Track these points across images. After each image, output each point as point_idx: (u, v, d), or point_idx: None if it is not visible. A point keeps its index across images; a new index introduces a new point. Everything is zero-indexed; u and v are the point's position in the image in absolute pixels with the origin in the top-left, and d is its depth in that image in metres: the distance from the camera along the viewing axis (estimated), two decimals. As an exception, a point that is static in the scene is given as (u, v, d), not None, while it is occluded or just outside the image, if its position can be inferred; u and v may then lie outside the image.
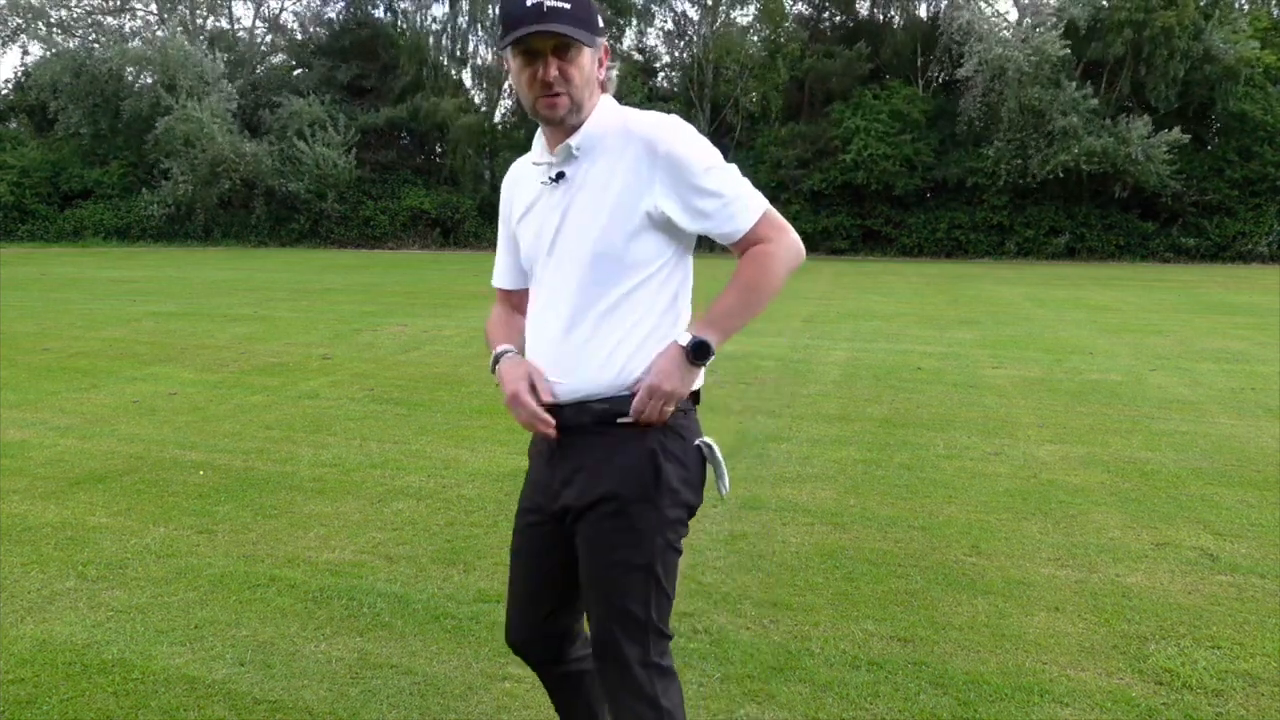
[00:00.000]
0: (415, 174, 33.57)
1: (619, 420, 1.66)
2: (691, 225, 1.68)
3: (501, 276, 1.90)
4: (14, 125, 35.15)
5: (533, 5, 1.54)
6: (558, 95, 1.60)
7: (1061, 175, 25.33)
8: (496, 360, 1.78)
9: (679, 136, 1.65)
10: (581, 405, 1.68)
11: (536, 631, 1.89)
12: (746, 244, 1.71)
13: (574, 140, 1.65)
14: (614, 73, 1.73)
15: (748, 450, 5.10)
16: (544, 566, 1.82)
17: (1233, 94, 25.05)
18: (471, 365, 7.88)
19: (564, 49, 1.58)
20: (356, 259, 24.73)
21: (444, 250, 30.39)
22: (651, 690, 1.66)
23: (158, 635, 2.95)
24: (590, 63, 1.64)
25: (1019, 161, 25.97)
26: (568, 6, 1.55)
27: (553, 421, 1.68)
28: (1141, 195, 26.08)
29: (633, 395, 1.65)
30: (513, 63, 1.62)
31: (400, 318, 11.16)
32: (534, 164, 1.74)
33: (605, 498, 1.66)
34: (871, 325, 10.69)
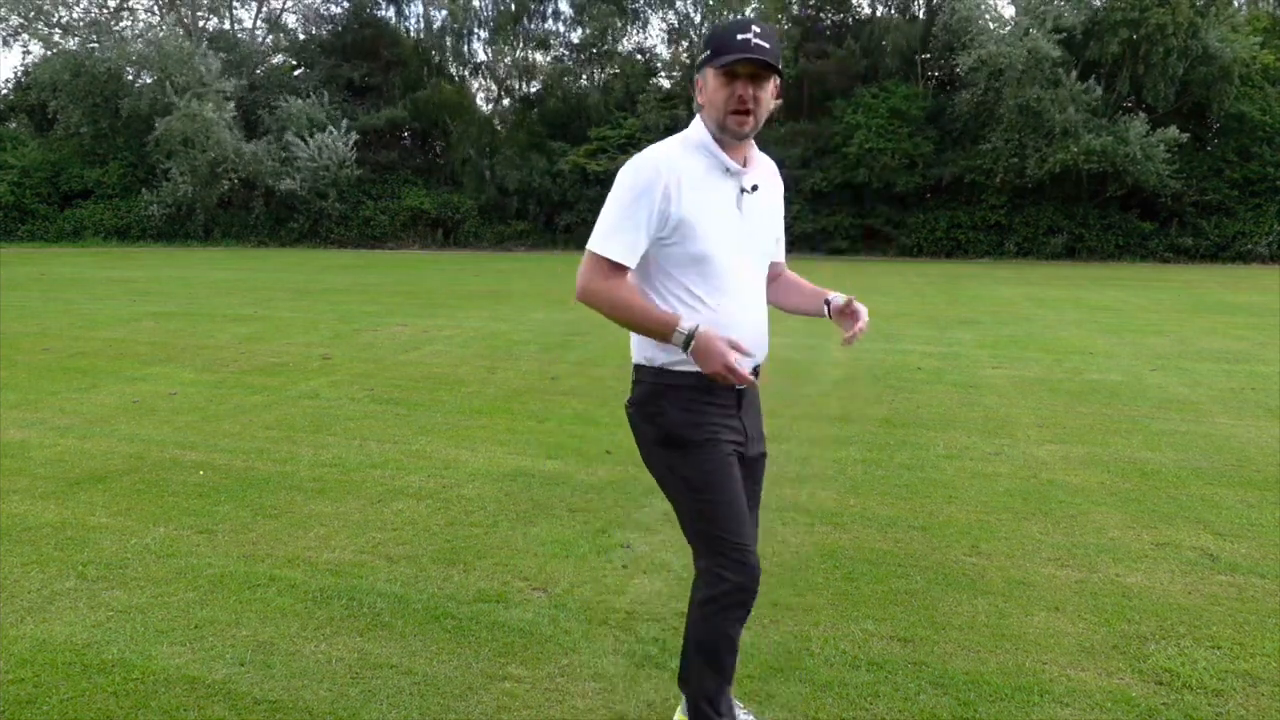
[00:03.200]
0: (415, 174, 33.59)
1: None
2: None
3: (632, 255, 2.01)
4: (14, 125, 35.14)
5: (742, 40, 1.91)
6: (748, 113, 1.96)
7: (1059, 172, 25.33)
8: (694, 331, 1.95)
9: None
10: (758, 369, 2.18)
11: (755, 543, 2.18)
12: (782, 268, 2.41)
13: (758, 159, 2.10)
14: (778, 107, 2.11)
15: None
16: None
17: (1230, 94, 25.05)
18: (471, 365, 7.88)
19: (759, 78, 1.95)
20: (356, 259, 24.72)
21: (444, 250, 30.38)
22: None
23: (158, 635, 2.95)
24: (771, 92, 1.99)
25: (1016, 160, 25.97)
26: (768, 45, 1.92)
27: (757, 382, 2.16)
28: (1141, 195, 26.08)
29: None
30: (713, 82, 1.96)
31: (400, 318, 11.16)
32: (726, 170, 2.02)
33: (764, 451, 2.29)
34: (871, 325, 10.67)
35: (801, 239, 28.79)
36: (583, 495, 4.35)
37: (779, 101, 2.05)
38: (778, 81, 1.99)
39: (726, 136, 1.99)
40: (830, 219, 28.44)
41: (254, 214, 31.78)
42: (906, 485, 4.52)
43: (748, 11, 32.00)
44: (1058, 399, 6.56)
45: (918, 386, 6.99)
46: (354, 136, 31.02)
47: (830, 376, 7.39)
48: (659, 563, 3.49)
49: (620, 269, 2.00)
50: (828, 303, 2.28)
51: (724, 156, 2.00)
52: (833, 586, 3.33)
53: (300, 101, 31.25)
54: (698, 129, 2.03)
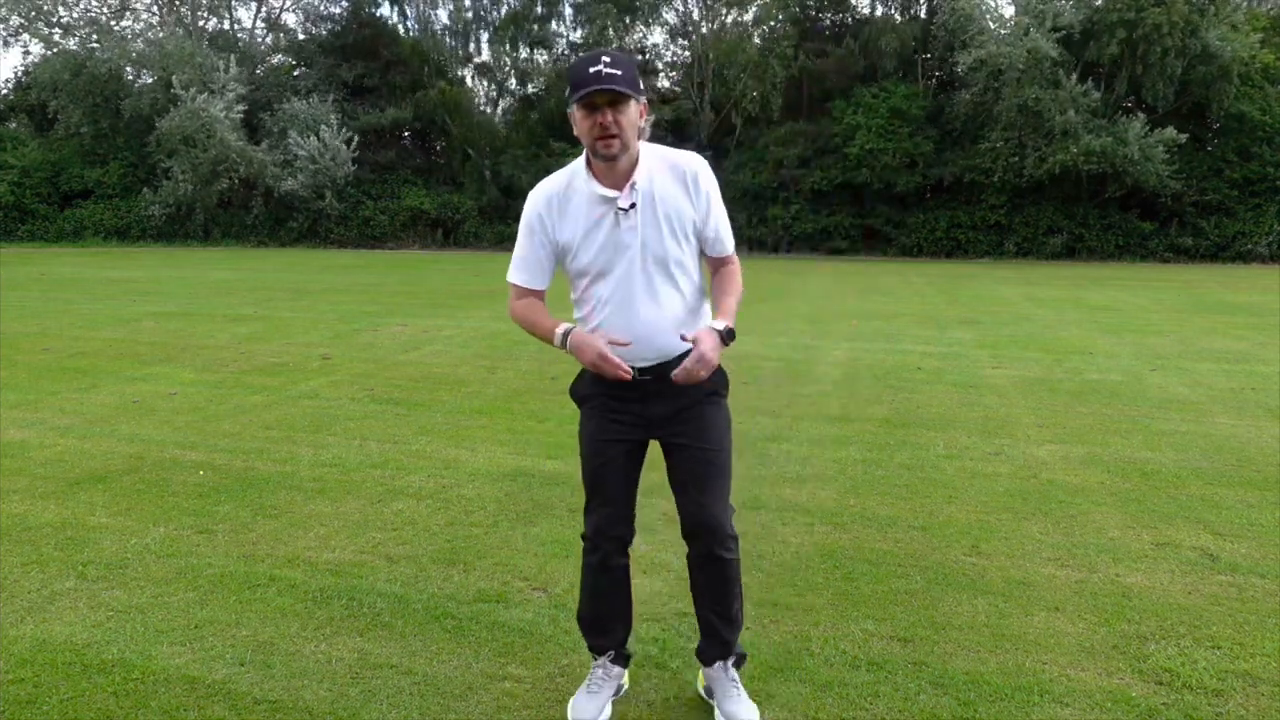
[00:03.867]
0: (415, 174, 33.57)
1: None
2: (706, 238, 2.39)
3: (530, 279, 2.39)
4: (14, 125, 35.14)
5: (593, 73, 2.09)
6: (611, 138, 2.15)
7: (1059, 173, 25.33)
8: (567, 333, 2.27)
9: (709, 171, 2.33)
10: (655, 368, 2.35)
11: None
12: (726, 261, 2.45)
13: (650, 171, 2.26)
14: (649, 124, 2.28)
15: (747, 450, 5.10)
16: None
17: (1230, 93, 25.05)
18: (471, 365, 7.88)
19: (617, 103, 2.13)
20: (356, 259, 24.73)
21: (444, 250, 30.39)
22: None
23: (158, 635, 2.95)
24: (634, 114, 2.17)
25: (1015, 159, 25.97)
26: (619, 73, 2.10)
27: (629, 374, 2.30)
28: (1141, 195, 26.08)
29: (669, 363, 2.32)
30: (578, 115, 2.17)
31: (400, 318, 11.16)
32: (601, 196, 2.25)
33: None
34: (871, 325, 10.69)
35: (801, 239, 28.79)
36: (582, 495, 4.34)
37: (650, 118, 2.28)
38: (641, 102, 2.20)
39: (599, 161, 2.22)
40: (830, 219, 28.42)
41: (254, 214, 31.77)
42: (906, 485, 4.52)
43: (749, 13, 32.07)
44: (1058, 399, 6.56)
45: (918, 386, 6.99)
46: (355, 137, 31.00)
47: (830, 376, 7.39)
48: (659, 563, 3.49)
49: (524, 291, 2.38)
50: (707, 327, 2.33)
51: (595, 185, 2.26)
52: (833, 586, 3.33)
53: (301, 103, 31.23)
54: (580, 160, 2.31)
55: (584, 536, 2.53)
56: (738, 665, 2.54)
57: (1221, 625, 3.02)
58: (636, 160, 2.25)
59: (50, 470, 4.73)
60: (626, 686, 2.63)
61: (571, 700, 2.50)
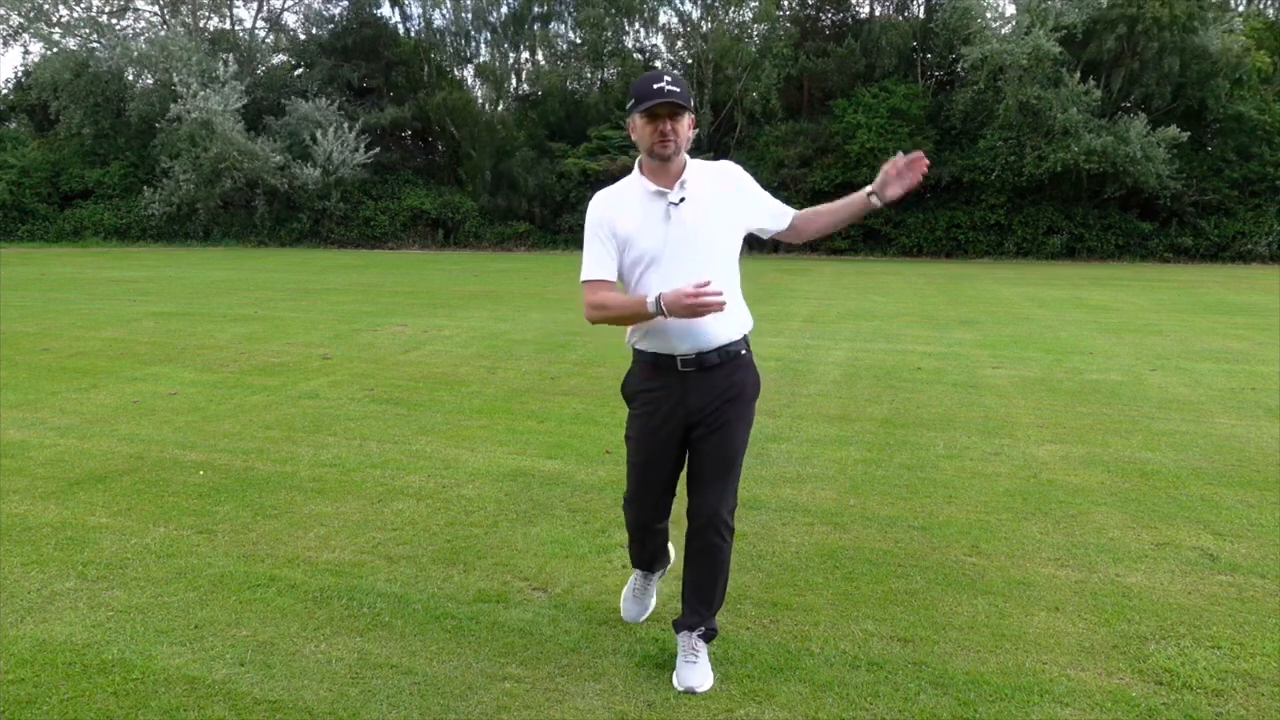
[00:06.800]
0: (416, 174, 33.57)
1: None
2: (770, 224, 2.75)
3: (604, 271, 2.62)
4: (14, 125, 35.13)
5: (657, 89, 2.47)
6: (668, 141, 2.50)
7: (1059, 172, 25.32)
8: (659, 298, 2.47)
9: (745, 172, 2.72)
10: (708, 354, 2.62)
11: None
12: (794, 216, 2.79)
13: (698, 173, 2.60)
14: (694, 135, 2.61)
15: (748, 450, 5.10)
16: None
17: (1227, 93, 25.05)
18: (471, 365, 7.89)
19: (675, 115, 2.49)
20: (357, 259, 24.73)
21: (444, 250, 30.38)
22: None
23: (158, 635, 2.95)
24: (686, 124, 2.53)
25: (1014, 159, 25.96)
26: (679, 90, 2.47)
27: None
28: (1140, 195, 26.09)
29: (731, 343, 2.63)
30: (640, 122, 2.51)
31: (400, 318, 11.16)
32: (654, 192, 2.56)
33: None
34: (871, 325, 10.69)
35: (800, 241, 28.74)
36: (583, 495, 4.35)
37: (695, 131, 2.63)
38: (691, 117, 2.56)
39: (654, 161, 2.55)
40: (830, 219, 28.39)
41: (255, 214, 31.76)
42: (906, 485, 4.52)
43: (747, 12, 32.11)
44: (1058, 399, 6.56)
45: (918, 386, 6.99)
46: (365, 138, 30.99)
47: (830, 376, 7.39)
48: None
49: (601, 283, 2.60)
50: (872, 195, 2.66)
51: (646, 183, 2.58)
52: (833, 586, 3.33)
53: (306, 104, 31.23)
54: (634, 169, 2.64)
55: (630, 524, 2.89)
56: (705, 638, 2.74)
57: (1221, 625, 3.02)
58: (685, 165, 2.59)
59: (50, 470, 4.73)
60: (671, 565, 3.13)
61: (623, 603, 3.08)
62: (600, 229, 2.61)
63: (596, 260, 2.61)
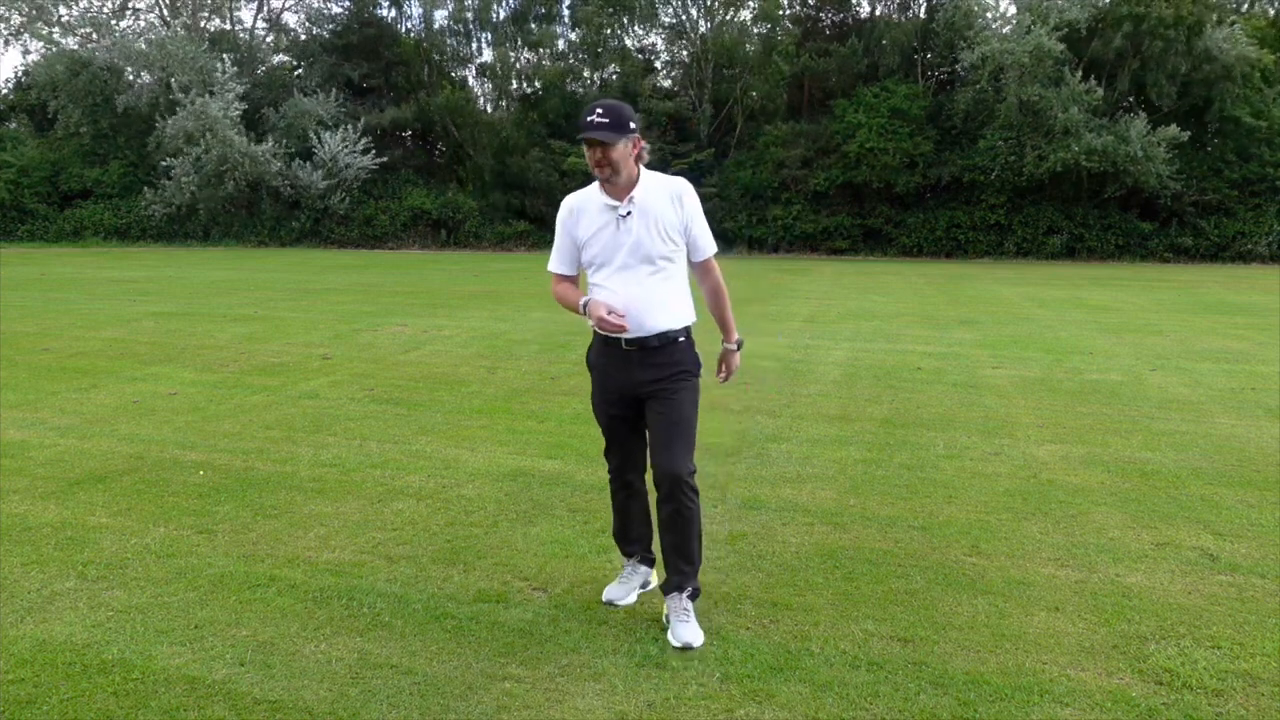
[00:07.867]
0: (417, 174, 33.54)
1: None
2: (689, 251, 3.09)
3: (564, 267, 3.12)
4: (14, 125, 35.11)
5: (589, 122, 2.82)
6: (603, 166, 2.87)
7: (1060, 171, 25.31)
8: (588, 302, 2.96)
9: (692, 191, 3.05)
10: (643, 339, 3.00)
11: None
12: (707, 265, 3.15)
13: (647, 187, 2.95)
14: (646, 150, 2.97)
15: (748, 450, 5.10)
16: None
17: (1230, 94, 25.03)
18: (471, 365, 7.89)
19: (605, 145, 2.84)
20: (357, 259, 24.72)
21: (445, 250, 30.37)
22: None
23: (158, 635, 2.95)
24: (622, 149, 2.87)
25: (1014, 158, 25.95)
26: (607, 121, 2.82)
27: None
28: (1140, 195, 26.07)
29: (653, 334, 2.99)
30: (585, 148, 2.87)
31: (400, 318, 11.16)
32: (607, 205, 2.94)
33: None
34: (871, 325, 10.69)
35: (802, 239, 28.77)
36: (583, 495, 4.35)
37: (646, 147, 2.95)
38: (630, 139, 2.87)
39: (601, 183, 2.96)
40: (831, 219, 28.40)
41: (255, 214, 31.75)
42: (906, 485, 4.52)
43: (746, 12, 32.16)
44: (1058, 399, 6.56)
45: (918, 386, 6.99)
46: (366, 139, 30.95)
47: (830, 376, 7.39)
48: (659, 563, 3.49)
49: (560, 278, 3.12)
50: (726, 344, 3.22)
51: (603, 197, 2.96)
52: (833, 586, 3.33)
53: (308, 100, 31.20)
54: (596, 180, 3.00)
55: (609, 471, 3.24)
56: (692, 597, 3.00)
57: (1221, 625, 3.02)
58: (636, 180, 2.94)
59: (50, 470, 4.73)
60: (654, 584, 3.28)
61: (606, 588, 3.25)
62: (564, 229, 3.08)
63: (558, 255, 3.12)
